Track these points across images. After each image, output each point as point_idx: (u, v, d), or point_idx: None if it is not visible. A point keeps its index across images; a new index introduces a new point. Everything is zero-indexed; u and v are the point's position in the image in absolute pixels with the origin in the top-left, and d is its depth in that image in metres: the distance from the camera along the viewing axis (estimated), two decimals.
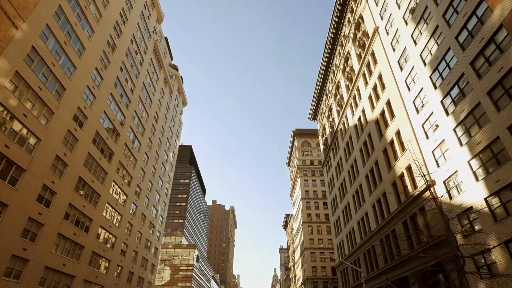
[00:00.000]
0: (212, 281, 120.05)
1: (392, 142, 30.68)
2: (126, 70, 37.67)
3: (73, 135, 27.19)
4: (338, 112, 50.50)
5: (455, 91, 21.40)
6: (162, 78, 52.66)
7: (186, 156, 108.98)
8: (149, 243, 47.41)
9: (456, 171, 20.70)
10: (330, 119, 55.01)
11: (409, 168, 27.38)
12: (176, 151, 62.48)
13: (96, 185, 31.22)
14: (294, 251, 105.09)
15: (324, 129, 61.44)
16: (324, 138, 60.93)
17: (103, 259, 33.22)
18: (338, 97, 49.74)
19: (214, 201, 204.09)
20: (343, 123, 47.49)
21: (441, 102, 22.74)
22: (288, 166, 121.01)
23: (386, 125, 32.28)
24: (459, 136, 20.86)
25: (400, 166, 28.52)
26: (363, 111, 38.76)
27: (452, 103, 21.65)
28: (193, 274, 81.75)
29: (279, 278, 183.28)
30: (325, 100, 59.09)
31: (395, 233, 29.46)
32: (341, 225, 48.17)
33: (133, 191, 40.48)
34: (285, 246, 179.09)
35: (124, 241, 38.23)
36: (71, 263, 27.21)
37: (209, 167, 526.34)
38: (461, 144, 20.64)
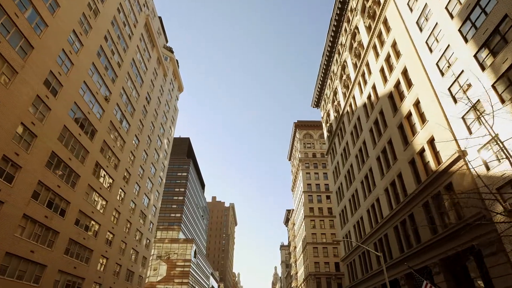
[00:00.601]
0: (211, 278, 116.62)
1: (409, 115, 27.03)
2: (112, 41, 34.06)
3: (44, 102, 23.60)
4: (344, 94, 46.86)
5: (493, 41, 17.76)
6: (155, 58, 49.05)
7: (184, 149, 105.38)
8: (140, 234, 43.88)
9: (497, 134, 17.06)
10: (335, 103, 51.36)
11: (431, 141, 23.74)
12: (171, 138, 58.89)
13: (74, 163, 27.65)
14: (295, 247, 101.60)
15: (328, 115, 57.82)
16: (328, 125, 57.30)
17: (84, 248, 29.69)
18: (344, 77, 46.07)
19: (213, 198, 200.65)
20: (350, 105, 43.85)
21: (475, 56, 19.10)
22: (289, 160, 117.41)
23: (402, 97, 28.64)
24: (500, 93, 17.24)
25: (419, 141, 24.89)
26: (374, 87, 35.12)
27: (489, 55, 18.02)
28: (190, 270, 78.26)
29: (280, 275, 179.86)
30: (329, 84, 55.46)
31: (413, 218, 25.87)
32: (347, 215, 44.57)
33: (120, 175, 36.91)
34: (286, 243, 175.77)
35: (110, 229, 34.68)
36: (41, 250, 23.65)
37: (209, 166, 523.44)
38: (502, 101, 17.03)
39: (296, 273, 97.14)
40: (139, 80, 42.49)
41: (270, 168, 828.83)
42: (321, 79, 57.24)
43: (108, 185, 34.24)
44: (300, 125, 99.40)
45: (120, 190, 37.27)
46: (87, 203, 29.88)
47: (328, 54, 51.94)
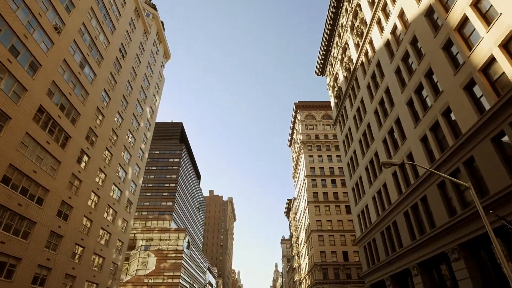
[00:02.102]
0: (208, 274, 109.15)
1: (462, 24, 19.47)
2: None
3: None
4: (356, 45, 39.28)
5: None
6: (132, 7, 41.33)
7: (176, 134, 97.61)
8: (113, 213, 36.27)
9: None
10: (345, 60, 43.77)
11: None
12: (155, 108, 51.17)
13: (6, 104, 20.01)
14: (298, 238, 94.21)
15: (336, 79, 50.30)
16: (336, 90, 49.75)
17: (20, 218, 22.03)
18: (357, 23, 38.49)
19: (211, 192, 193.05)
20: (366, 54, 36.29)
21: None
22: (290, 146, 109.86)
23: (447, 8, 21.11)
24: None
25: (482, 53, 17.37)
26: (401, 14, 27.55)
27: None
28: (183, 262, 70.70)
29: (281, 271, 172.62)
30: (336, 43, 47.93)
31: (458, 175, 18.50)
32: (364, 187, 37.09)
33: (81, 133, 29.25)
34: (286, 237, 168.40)
35: (66, 199, 27.03)
36: None
37: (208, 165, 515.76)
38: None
39: (299, 265, 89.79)
40: (109, 24, 34.79)
41: (270, 168, 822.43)
42: (327, 38, 49.67)
43: (62, 140, 26.51)
44: (301, 106, 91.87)
45: (82, 152, 29.60)
46: (25, 157, 22.19)
47: (334, 8, 44.37)
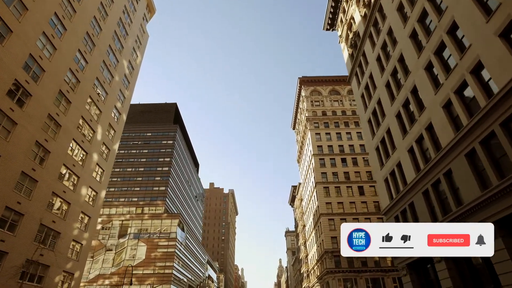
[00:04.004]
0: (208, 267, 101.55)
1: None
2: None
3: None
4: None
5: None
6: None
7: (170, 116, 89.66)
8: (74, 178, 28.41)
9: None
10: None
11: None
12: (136, 66, 43.21)
13: None
14: (304, 226, 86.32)
15: (350, 26, 42.18)
16: (350, 38, 41.56)
17: None
18: None
19: (211, 184, 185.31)
20: None
21: None
22: (294, 128, 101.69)
23: None
24: None
25: None
26: None
27: None
28: (176, 250, 62.96)
29: (286, 265, 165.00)
30: None
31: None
32: (393, 142, 29.06)
33: (16, 58, 21.32)
34: (291, 229, 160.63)
35: None
36: None
37: (210, 161, 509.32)
38: None
39: (306, 255, 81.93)
40: None
41: (271, 169, 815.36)
42: None
43: None
44: (306, 81, 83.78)
45: (15, 83, 21.66)
46: None
47: None
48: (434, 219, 22.16)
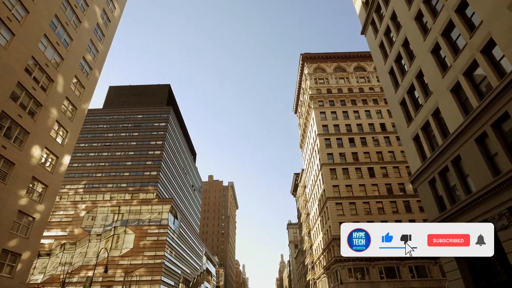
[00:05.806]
0: (205, 259, 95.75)
1: None
2: None
3: None
4: None
5: None
6: None
7: (163, 98, 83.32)
8: (20, 131, 22.30)
9: None
10: None
11: None
12: (113, 19, 36.92)
13: None
14: (308, 214, 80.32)
15: None
16: None
17: None
18: None
19: (210, 177, 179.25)
20: None
21: None
22: (295, 112, 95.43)
23: None
24: None
25: None
26: None
27: None
28: (168, 239, 56.98)
29: (288, 259, 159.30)
30: None
31: None
32: (426, 87, 22.88)
33: None
34: (293, 221, 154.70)
35: None
36: None
37: (209, 158, 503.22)
38: None
39: (311, 246, 75.93)
40: None
41: (271, 162, 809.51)
42: None
43: None
44: (309, 57, 77.37)
45: None
46: None
47: None
48: (495, 173, 16.03)
